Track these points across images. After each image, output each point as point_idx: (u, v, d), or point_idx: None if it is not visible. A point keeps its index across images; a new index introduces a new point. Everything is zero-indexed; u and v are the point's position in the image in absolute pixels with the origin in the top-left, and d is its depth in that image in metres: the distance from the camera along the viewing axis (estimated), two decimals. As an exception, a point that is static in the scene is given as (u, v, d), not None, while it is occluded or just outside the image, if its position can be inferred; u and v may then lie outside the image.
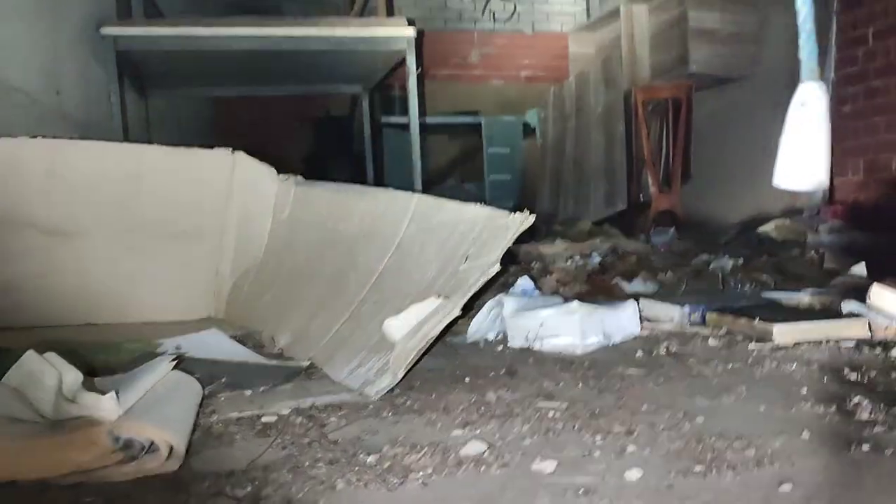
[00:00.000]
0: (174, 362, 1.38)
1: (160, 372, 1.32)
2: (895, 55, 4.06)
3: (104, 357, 1.64)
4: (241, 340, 2.00)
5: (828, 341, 1.93)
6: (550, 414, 1.38)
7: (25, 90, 2.66)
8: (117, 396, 1.15)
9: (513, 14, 7.84)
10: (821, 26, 4.53)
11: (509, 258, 3.75)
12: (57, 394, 1.12)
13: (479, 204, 1.87)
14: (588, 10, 7.95)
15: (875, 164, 4.23)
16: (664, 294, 2.84)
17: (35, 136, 2.16)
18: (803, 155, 0.91)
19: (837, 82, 4.38)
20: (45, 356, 1.16)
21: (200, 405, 1.40)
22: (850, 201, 4.36)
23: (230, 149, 2.34)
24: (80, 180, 2.22)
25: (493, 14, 7.84)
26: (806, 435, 1.21)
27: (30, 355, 1.19)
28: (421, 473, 1.09)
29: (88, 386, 1.19)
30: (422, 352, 1.64)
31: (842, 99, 4.38)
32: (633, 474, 1.07)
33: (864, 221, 4.12)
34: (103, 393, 1.16)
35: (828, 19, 4.41)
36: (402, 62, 3.78)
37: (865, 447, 1.15)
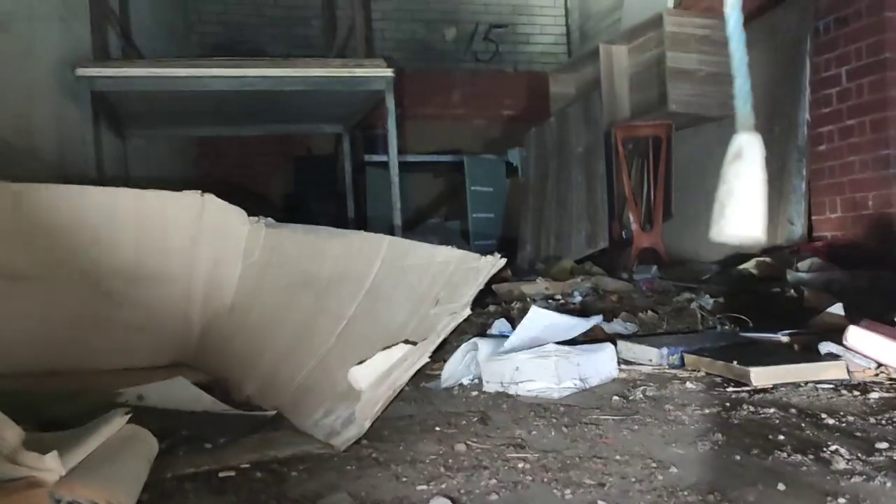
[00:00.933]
0: (128, 415, 1.33)
1: (112, 426, 1.26)
2: (868, 95, 4.12)
3: (59, 409, 1.58)
4: (207, 388, 1.94)
5: (806, 383, 1.90)
6: (520, 465, 1.33)
7: (-5, 131, 2.63)
8: (62, 454, 1.09)
9: (495, 54, 7.94)
10: (795, 67, 4.60)
11: (490, 298, 3.73)
12: (-5, 453, 1.06)
13: (453, 245, 1.85)
14: (569, 50, 8.07)
15: (852, 202, 4.25)
16: (644, 334, 2.81)
17: (-2, 180, 2.13)
18: (739, 209, 0.89)
19: (812, 122, 4.42)
20: (-16, 412, 1.10)
21: (156, 460, 1.34)
22: (828, 239, 4.38)
23: (199, 191, 2.31)
24: (45, 224, 2.17)
25: (476, 54, 7.93)
26: (781, 487, 1.17)
27: (-31, 411, 1.13)
28: (379, 534, 1.04)
29: (33, 443, 1.13)
30: (391, 399, 1.59)
31: (817, 138, 4.42)
32: (602, 533, 1.02)
33: (842, 259, 4.13)
34: (49, 450, 1.10)
35: (801, 60, 4.48)
36: (382, 102, 3.78)
37: (842, 500, 1.11)
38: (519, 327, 2.11)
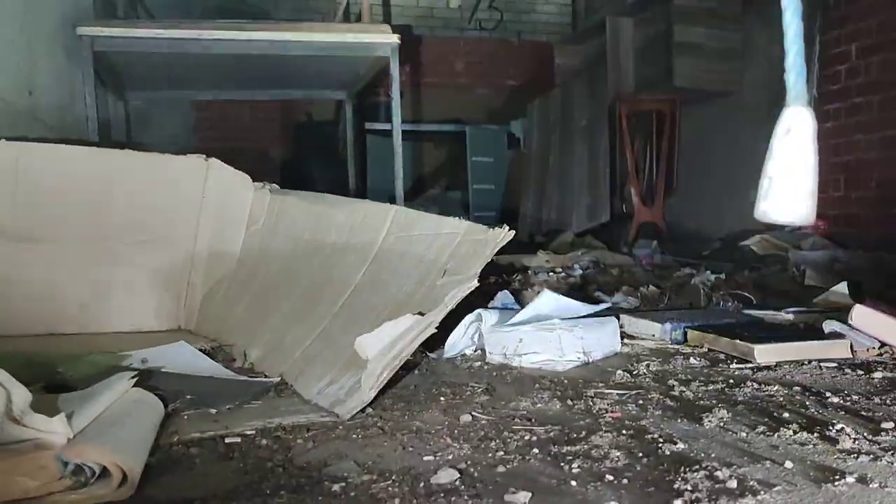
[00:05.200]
0: (134, 379, 1.32)
1: (118, 390, 1.26)
2: (877, 73, 4.08)
3: (65, 371, 1.57)
4: (210, 354, 1.94)
5: (809, 362, 1.90)
6: (526, 437, 1.33)
7: (-6, 90, 2.59)
8: (69, 417, 1.09)
9: (499, 23, 7.83)
10: (804, 43, 4.55)
11: (490, 270, 3.72)
12: (3, 415, 1.06)
13: (459, 217, 1.83)
14: (574, 21, 7.96)
15: (856, 180, 4.24)
16: (646, 309, 2.81)
17: (0, 139, 2.09)
18: (788, 187, 0.85)
19: (820, 99, 4.39)
20: (-8, 373, 1.09)
21: (162, 424, 1.34)
22: (830, 217, 4.37)
23: (203, 155, 2.28)
24: (49, 185, 2.15)
25: (480, 23, 7.82)
26: (789, 464, 1.18)
27: (-23, 372, 1.12)
28: (388, 504, 1.04)
29: (40, 405, 1.13)
30: (396, 369, 1.59)
31: (823, 116, 4.39)
32: (610, 507, 1.02)
33: (844, 238, 4.13)
34: (56, 413, 1.10)
35: (811, 36, 4.43)
36: (386, 69, 3.74)
37: (850, 479, 1.11)
38: (529, 306, 2.11)
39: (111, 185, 2.22)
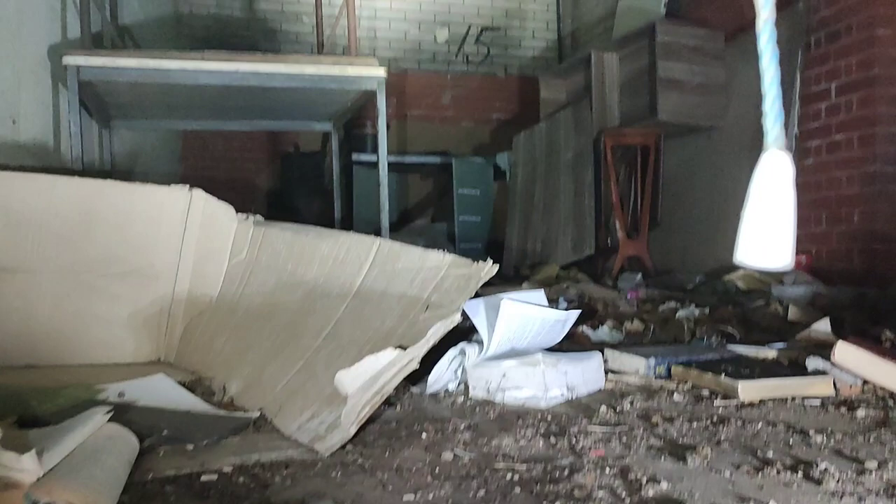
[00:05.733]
0: (109, 414, 1.29)
1: (92, 425, 1.23)
2: (857, 111, 4.15)
3: (39, 405, 1.54)
4: (189, 387, 1.91)
5: (793, 399, 1.90)
6: (508, 476, 1.31)
7: (-22, 118, 2.58)
8: (40, 454, 1.06)
9: (486, 57, 7.94)
10: (785, 80, 4.63)
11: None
12: (-29, 452, 1.03)
13: (444, 249, 1.83)
14: (560, 56, 8.08)
15: (837, 217, 4.28)
16: (630, 343, 2.81)
17: (-20, 167, 2.08)
18: (767, 231, 0.86)
19: (800, 136, 4.46)
20: (-39, 409, 1.07)
21: (136, 461, 1.31)
22: (812, 253, 4.41)
23: (187, 186, 2.27)
24: (28, 214, 2.13)
25: (467, 57, 7.93)
26: (773, 505, 1.16)
27: (-54, 407, 1.10)
28: (366, 545, 1.02)
29: (11, 441, 1.10)
30: (377, 405, 1.57)
31: (804, 153, 4.45)
32: (593, 549, 1.01)
33: (827, 273, 4.16)
34: (27, 449, 1.07)
35: (791, 73, 4.51)
36: (374, 101, 3.75)
37: (834, 521, 1.10)
38: (497, 325, 2.08)
39: (92, 215, 2.19)
